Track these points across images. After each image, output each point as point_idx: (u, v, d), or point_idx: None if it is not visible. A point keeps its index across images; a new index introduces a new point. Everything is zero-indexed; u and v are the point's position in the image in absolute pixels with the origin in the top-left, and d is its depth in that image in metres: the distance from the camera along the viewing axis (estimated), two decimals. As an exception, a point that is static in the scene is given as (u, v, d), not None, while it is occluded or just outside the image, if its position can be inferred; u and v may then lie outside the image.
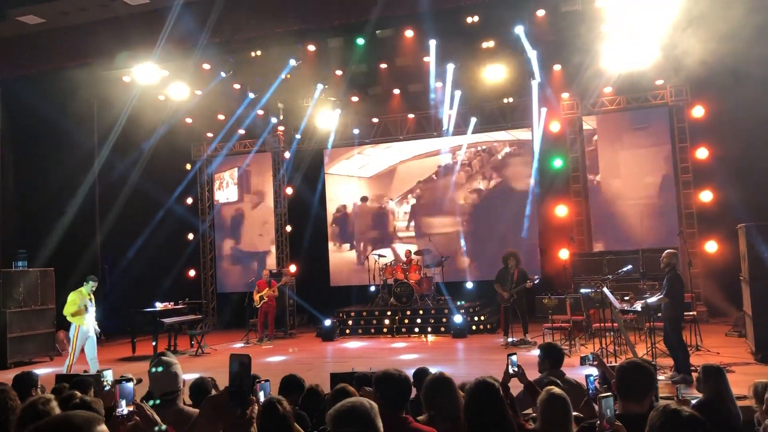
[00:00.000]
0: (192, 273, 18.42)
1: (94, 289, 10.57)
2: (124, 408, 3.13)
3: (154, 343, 12.80)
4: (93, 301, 10.63)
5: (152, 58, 12.96)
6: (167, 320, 13.11)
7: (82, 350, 10.47)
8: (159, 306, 13.53)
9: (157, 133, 16.15)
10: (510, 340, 12.14)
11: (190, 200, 18.63)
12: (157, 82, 14.46)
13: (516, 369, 4.42)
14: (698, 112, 14.30)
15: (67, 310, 10.38)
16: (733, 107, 12.76)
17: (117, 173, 16.01)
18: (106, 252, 16.20)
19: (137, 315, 13.27)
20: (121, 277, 16.18)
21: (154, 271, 16.54)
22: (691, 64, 12.75)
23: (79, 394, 4.56)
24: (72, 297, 10.46)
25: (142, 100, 15.03)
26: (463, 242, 16.67)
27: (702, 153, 14.25)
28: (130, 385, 3.24)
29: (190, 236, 18.62)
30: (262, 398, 3.77)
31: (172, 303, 13.89)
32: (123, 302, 15.35)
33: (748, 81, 11.80)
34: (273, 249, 18.35)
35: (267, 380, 4.02)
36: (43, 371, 10.14)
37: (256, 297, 14.63)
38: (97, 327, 10.69)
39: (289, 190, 18.37)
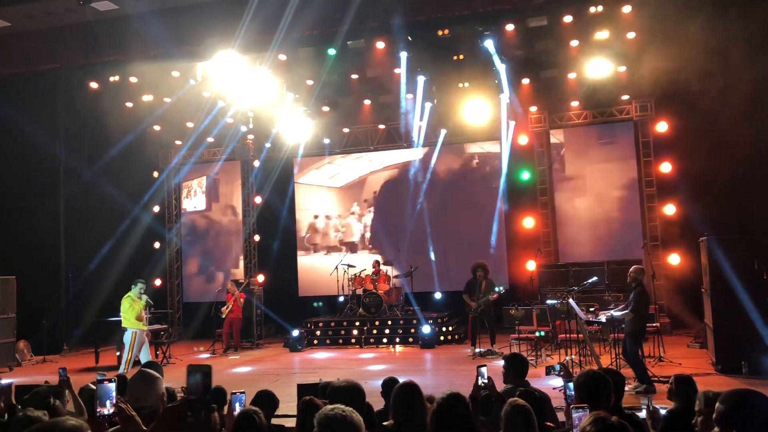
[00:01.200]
0: (158, 282, 18.09)
1: (143, 291, 10.37)
2: (107, 409, 3.08)
3: (118, 353, 12.55)
4: (148, 305, 10.47)
5: (120, 66, 12.84)
6: (132, 330, 12.90)
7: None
8: (124, 315, 13.31)
9: (125, 140, 15.89)
10: (477, 350, 12.21)
11: (157, 208, 18.32)
12: (124, 89, 14.31)
13: (486, 381, 4.43)
14: (662, 127, 14.61)
15: (129, 317, 10.23)
16: (696, 123, 13.06)
17: (83, 180, 15.71)
18: (71, 260, 15.86)
19: (101, 324, 13.06)
20: (85, 285, 15.83)
21: (119, 280, 16.24)
22: (655, 81, 13.11)
23: (33, 409, 4.43)
24: (126, 304, 10.31)
25: (110, 106, 14.81)
26: (432, 253, 16.71)
27: (666, 167, 14.56)
28: (112, 385, 3.18)
29: (157, 245, 18.33)
30: (237, 409, 3.77)
31: (137, 312, 13.67)
32: (87, 311, 15.04)
33: (707, 97, 12.11)
34: (241, 258, 18.19)
35: (242, 392, 4.01)
36: (2, 382, 9.88)
37: (224, 310, 14.48)
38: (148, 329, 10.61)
39: (258, 199, 18.21)
